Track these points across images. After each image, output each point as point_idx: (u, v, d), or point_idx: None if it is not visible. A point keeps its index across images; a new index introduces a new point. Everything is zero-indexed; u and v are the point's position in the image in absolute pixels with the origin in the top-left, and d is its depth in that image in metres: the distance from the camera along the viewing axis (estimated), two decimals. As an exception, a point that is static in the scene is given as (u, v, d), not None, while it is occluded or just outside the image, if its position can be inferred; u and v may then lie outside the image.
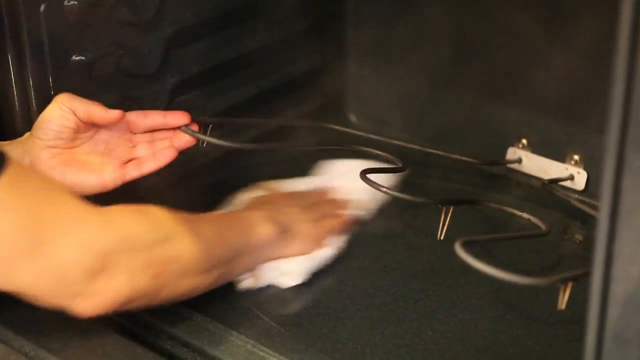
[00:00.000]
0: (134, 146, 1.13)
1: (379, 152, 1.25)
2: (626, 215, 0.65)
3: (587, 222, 1.25)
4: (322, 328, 1.07)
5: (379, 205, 1.24)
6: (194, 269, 1.00)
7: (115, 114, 1.09)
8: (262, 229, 1.10)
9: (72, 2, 1.10)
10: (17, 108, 1.11)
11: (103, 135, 1.11)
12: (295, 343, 1.04)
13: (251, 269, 1.11)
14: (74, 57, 1.13)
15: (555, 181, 1.28)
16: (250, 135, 1.37)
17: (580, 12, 1.22)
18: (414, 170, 1.32)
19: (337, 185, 1.24)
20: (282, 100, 1.41)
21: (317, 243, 1.15)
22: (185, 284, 1.01)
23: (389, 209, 1.23)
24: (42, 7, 1.08)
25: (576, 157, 1.28)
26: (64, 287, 0.92)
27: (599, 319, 0.68)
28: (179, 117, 1.14)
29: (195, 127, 1.14)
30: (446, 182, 1.34)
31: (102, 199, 1.03)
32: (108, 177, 1.09)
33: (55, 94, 1.11)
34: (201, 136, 1.14)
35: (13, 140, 1.09)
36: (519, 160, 1.33)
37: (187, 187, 1.31)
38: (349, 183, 1.22)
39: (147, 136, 1.14)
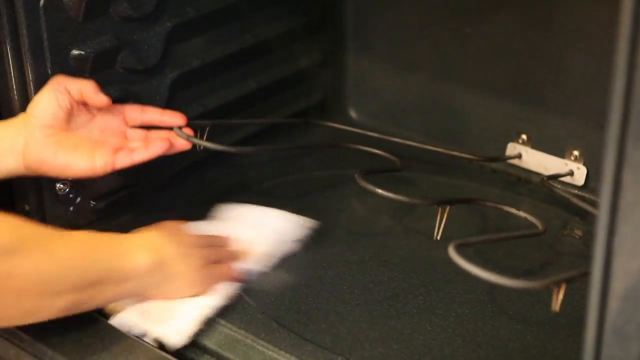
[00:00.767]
0: (127, 139, 1.13)
1: (375, 150, 1.25)
2: (626, 210, 0.64)
3: (587, 217, 1.25)
4: (321, 323, 1.07)
5: (280, 258, 1.15)
6: (37, 290, 0.91)
7: (103, 98, 1.09)
8: (137, 258, 0.99)
9: (71, -3, 1.10)
10: (16, 102, 1.11)
11: (98, 123, 1.12)
12: (295, 338, 1.04)
13: (117, 299, 1.01)
14: (73, 52, 1.13)
15: (554, 177, 1.28)
16: (249, 132, 1.37)
17: (580, 7, 1.22)
18: (412, 167, 1.32)
19: (242, 234, 1.15)
20: (282, 95, 1.41)
21: (201, 288, 1.05)
22: (25, 305, 0.91)
23: (388, 205, 1.23)
24: (42, 2, 1.08)
25: (576, 152, 1.28)
26: None
27: (598, 313, 0.68)
28: (176, 118, 1.14)
29: (190, 132, 1.14)
30: (445, 177, 1.34)
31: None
32: (99, 162, 1.08)
33: (55, 88, 1.12)
34: (195, 140, 1.14)
35: (6, 120, 1.09)
36: (519, 156, 1.33)
37: (184, 183, 1.32)
38: (254, 232, 1.15)
39: (142, 132, 1.14)
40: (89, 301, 0.97)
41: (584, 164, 1.28)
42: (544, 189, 1.28)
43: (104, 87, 1.17)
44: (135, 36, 1.19)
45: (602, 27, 1.20)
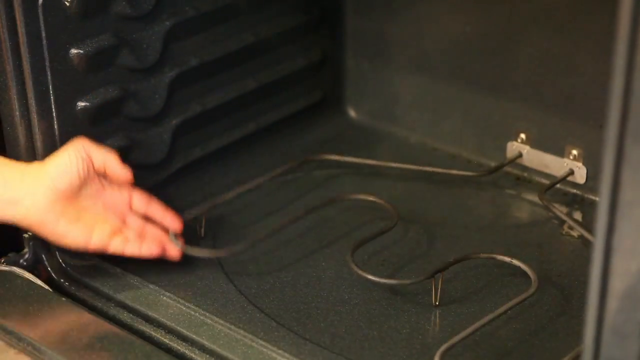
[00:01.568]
0: (126, 225, 1.12)
1: (371, 198, 1.24)
2: (625, 209, 0.64)
3: (586, 216, 1.25)
4: (320, 322, 1.07)
5: None
6: None
7: (127, 173, 1.09)
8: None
9: (70, -5, 1.10)
10: (15, 102, 1.11)
11: (105, 198, 1.10)
12: (294, 337, 1.04)
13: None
14: (72, 50, 1.12)
15: (553, 185, 1.28)
16: (249, 131, 1.37)
17: (579, 6, 1.22)
18: (408, 180, 1.32)
19: None
20: (281, 94, 1.40)
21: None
22: None
23: (386, 205, 1.23)
24: (41, 0, 1.07)
25: (575, 151, 1.28)
26: None
27: (598, 312, 0.68)
28: (175, 223, 1.14)
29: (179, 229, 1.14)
30: (444, 190, 1.33)
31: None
32: (95, 239, 1.08)
33: (54, 88, 1.11)
34: (188, 251, 1.13)
35: (24, 166, 1.08)
36: (519, 155, 1.33)
37: (182, 182, 1.31)
38: None
39: (140, 223, 1.13)
40: None
41: (583, 163, 1.28)
42: (542, 187, 1.28)
43: (102, 86, 1.17)
44: (134, 35, 1.19)
45: (602, 27, 1.20)
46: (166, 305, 1.09)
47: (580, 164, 1.28)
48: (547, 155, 1.31)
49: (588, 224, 1.22)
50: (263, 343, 1.03)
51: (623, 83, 0.62)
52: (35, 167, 1.08)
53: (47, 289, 1.13)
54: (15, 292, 1.11)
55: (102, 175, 1.10)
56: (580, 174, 1.28)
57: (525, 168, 1.33)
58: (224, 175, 1.33)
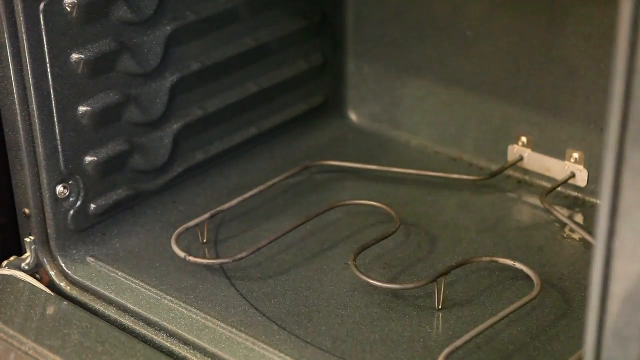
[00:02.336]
0: None
1: (372, 203, 1.24)
2: (626, 212, 0.64)
3: (587, 219, 1.25)
4: (321, 325, 1.07)
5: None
6: None
7: None
8: None
9: (71, 0, 1.10)
10: (17, 106, 1.11)
11: None
12: (295, 340, 1.04)
13: None
14: (73, 55, 1.13)
15: (554, 188, 1.28)
16: (250, 134, 1.37)
17: (580, 9, 1.22)
18: (410, 184, 1.32)
19: None
20: (282, 98, 1.41)
21: None
22: None
23: (388, 209, 1.23)
24: (42, 5, 1.08)
25: (576, 155, 1.28)
26: None
27: (598, 316, 0.68)
28: None
29: None
30: (445, 190, 1.33)
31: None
32: None
33: (55, 92, 1.12)
34: (191, 259, 1.13)
35: None
36: (520, 159, 1.33)
37: (184, 186, 1.32)
38: None
39: None
40: None
41: (584, 166, 1.28)
42: (543, 190, 1.28)
43: (103, 90, 1.17)
44: (134, 40, 1.19)
45: (602, 30, 1.20)
46: (167, 308, 1.09)
47: (581, 167, 1.28)
48: (548, 159, 1.31)
49: (589, 227, 1.22)
50: (264, 346, 1.03)
51: (623, 86, 0.62)
52: None
53: (49, 293, 1.13)
54: (17, 295, 1.11)
55: None
56: (581, 177, 1.28)
57: (526, 171, 1.33)
58: (225, 179, 1.34)
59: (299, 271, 1.16)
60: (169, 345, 1.06)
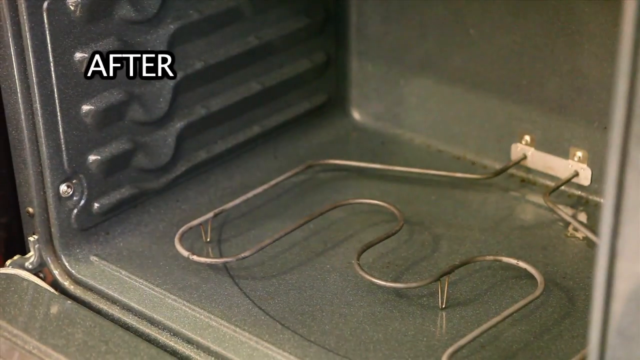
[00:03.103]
0: None
1: (375, 201, 1.24)
2: (630, 211, 0.64)
3: (591, 218, 1.25)
4: (325, 324, 1.07)
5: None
6: None
7: None
8: None
9: (75, -1, 1.11)
10: (20, 105, 1.11)
11: None
12: (299, 339, 1.04)
13: None
14: (76, 54, 1.13)
15: (558, 187, 1.28)
16: (254, 133, 1.37)
17: (584, 8, 1.22)
18: (413, 182, 1.32)
19: None
20: (285, 97, 1.41)
21: None
22: None
23: (391, 208, 1.23)
24: (45, 4, 1.08)
25: (579, 153, 1.28)
26: None
27: (602, 315, 0.68)
28: None
29: None
30: (448, 189, 1.33)
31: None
32: None
33: (58, 91, 1.12)
34: (195, 258, 1.13)
35: None
36: (523, 157, 1.33)
37: (187, 185, 1.32)
38: None
39: None
40: None
41: (588, 165, 1.27)
42: (547, 189, 1.28)
43: (107, 89, 1.17)
44: (138, 39, 1.19)
45: (606, 29, 1.20)
46: (171, 307, 1.10)
47: (584, 166, 1.28)
48: (552, 157, 1.31)
49: (593, 226, 1.22)
50: (268, 345, 1.03)
51: (627, 85, 0.62)
52: None
53: (53, 292, 1.13)
54: (21, 295, 1.11)
55: None
56: (585, 176, 1.28)
57: (529, 170, 1.33)
58: (229, 179, 1.34)
59: (302, 270, 1.16)
60: (172, 344, 1.06)
